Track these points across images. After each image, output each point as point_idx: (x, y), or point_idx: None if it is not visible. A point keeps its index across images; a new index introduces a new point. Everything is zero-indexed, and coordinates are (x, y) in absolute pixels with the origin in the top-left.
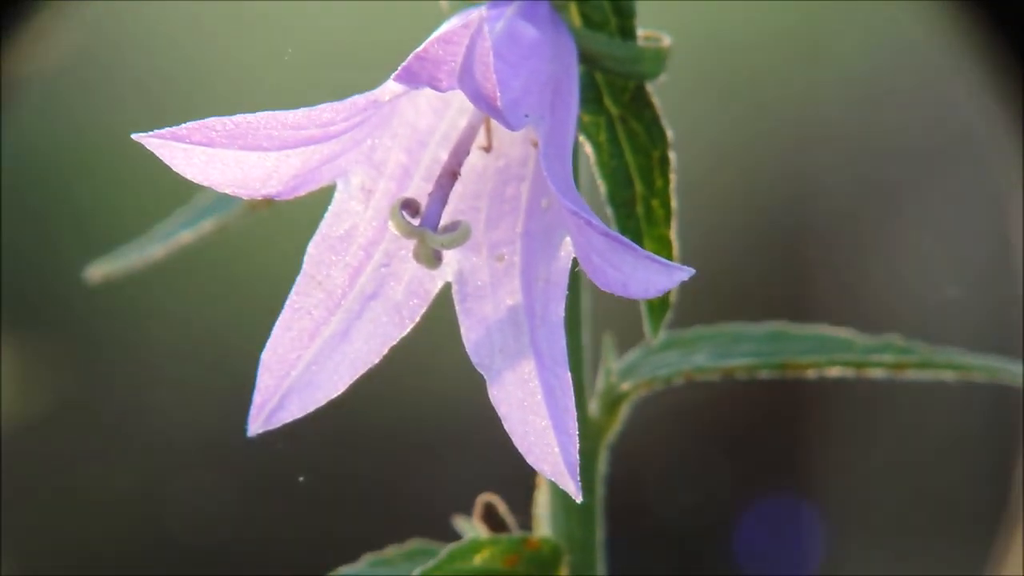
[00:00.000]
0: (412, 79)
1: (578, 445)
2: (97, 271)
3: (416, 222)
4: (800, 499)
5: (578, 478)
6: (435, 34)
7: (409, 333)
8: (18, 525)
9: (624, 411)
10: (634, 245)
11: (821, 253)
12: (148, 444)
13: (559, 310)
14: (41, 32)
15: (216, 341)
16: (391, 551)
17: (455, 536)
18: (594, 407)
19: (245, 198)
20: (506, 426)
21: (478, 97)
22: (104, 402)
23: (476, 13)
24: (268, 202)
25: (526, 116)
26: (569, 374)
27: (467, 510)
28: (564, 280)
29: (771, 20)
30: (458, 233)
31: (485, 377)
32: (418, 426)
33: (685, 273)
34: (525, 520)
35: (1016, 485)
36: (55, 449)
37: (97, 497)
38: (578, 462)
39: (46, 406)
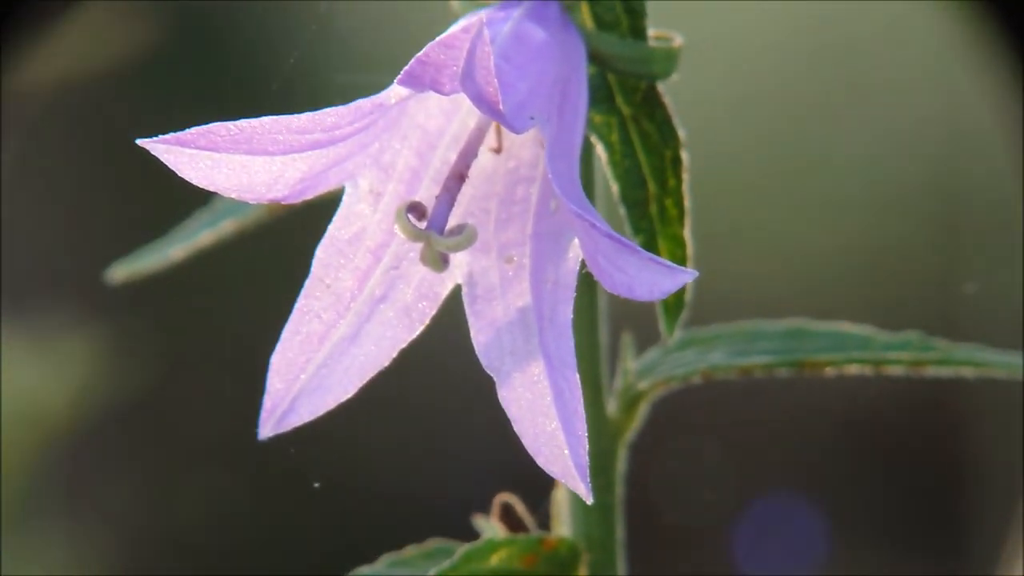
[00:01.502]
0: (415, 83)
1: (587, 447)
2: (118, 272)
3: (422, 225)
4: (804, 498)
5: (588, 480)
6: (437, 38)
7: (425, 330)
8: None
9: (643, 410)
10: (638, 248)
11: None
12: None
13: (567, 312)
14: None
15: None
16: (410, 551)
17: (474, 536)
18: (612, 406)
19: (251, 203)
20: (516, 428)
21: (480, 101)
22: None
23: (477, 18)
24: (279, 205)
25: (531, 118)
26: (577, 376)
27: (486, 509)
28: (572, 282)
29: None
30: (463, 236)
31: (495, 379)
32: (433, 425)
33: (689, 275)
34: (544, 520)
35: (1018, 485)
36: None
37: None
38: (587, 464)
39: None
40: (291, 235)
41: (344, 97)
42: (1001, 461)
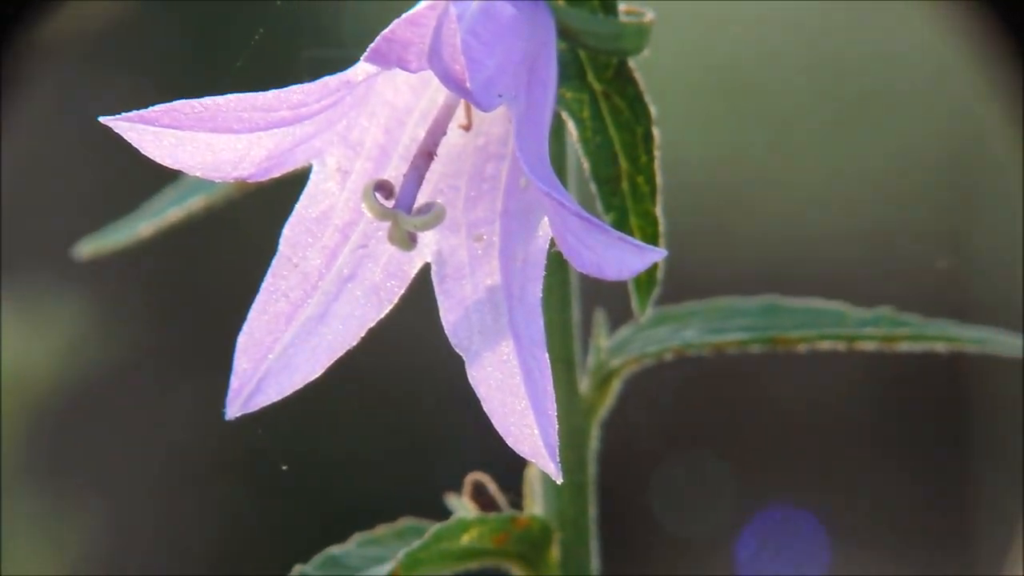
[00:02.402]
0: (381, 60)
1: (557, 426)
2: (86, 248)
3: (390, 204)
4: (800, 499)
5: (558, 459)
6: (404, 15)
7: (393, 310)
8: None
9: (615, 387)
10: (607, 227)
11: None
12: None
13: (536, 291)
14: None
15: None
16: (381, 530)
17: (446, 515)
18: (585, 384)
19: (217, 181)
20: (485, 407)
21: (447, 78)
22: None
23: None
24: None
25: (500, 96)
26: (547, 355)
27: (460, 489)
28: (542, 260)
29: None
30: (432, 215)
31: (464, 358)
32: (410, 404)
33: (658, 254)
34: (517, 499)
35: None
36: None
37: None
38: (557, 443)
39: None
40: (276, 195)
41: (311, 73)
42: (1003, 464)
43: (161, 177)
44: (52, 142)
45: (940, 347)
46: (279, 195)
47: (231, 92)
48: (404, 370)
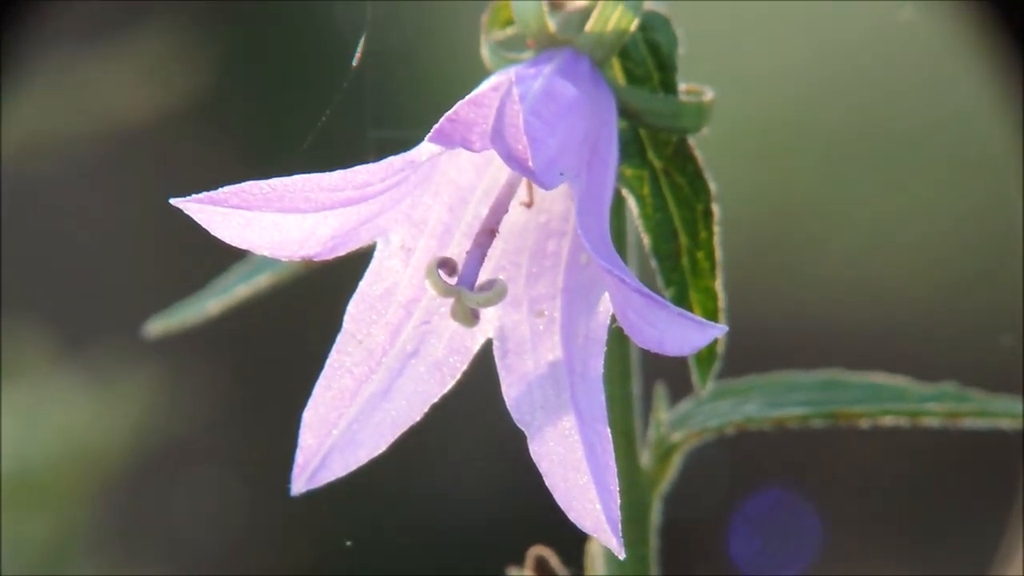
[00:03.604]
0: (445, 140)
1: (619, 501)
2: (155, 327)
3: (453, 281)
4: (799, 497)
5: (620, 534)
6: (467, 96)
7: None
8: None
9: (676, 461)
10: (668, 303)
11: None
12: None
13: (598, 366)
14: None
15: None
16: None
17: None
18: (646, 458)
19: (284, 260)
20: (547, 482)
21: (510, 158)
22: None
23: (506, 76)
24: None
25: (561, 174)
26: (609, 430)
27: (522, 562)
28: (603, 336)
29: None
30: (494, 292)
31: (526, 433)
32: (476, 477)
33: (719, 330)
34: (579, 572)
35: (1018, 483)
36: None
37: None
38: (619, 518)
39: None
40: (345, 273)
41: (377, 153)
42: (1000, 459)
43: (231, 253)
44: (123, 219)
45: (1005, 424)
46: (346, 271)
47: (298, 173)
48: (468, 438)
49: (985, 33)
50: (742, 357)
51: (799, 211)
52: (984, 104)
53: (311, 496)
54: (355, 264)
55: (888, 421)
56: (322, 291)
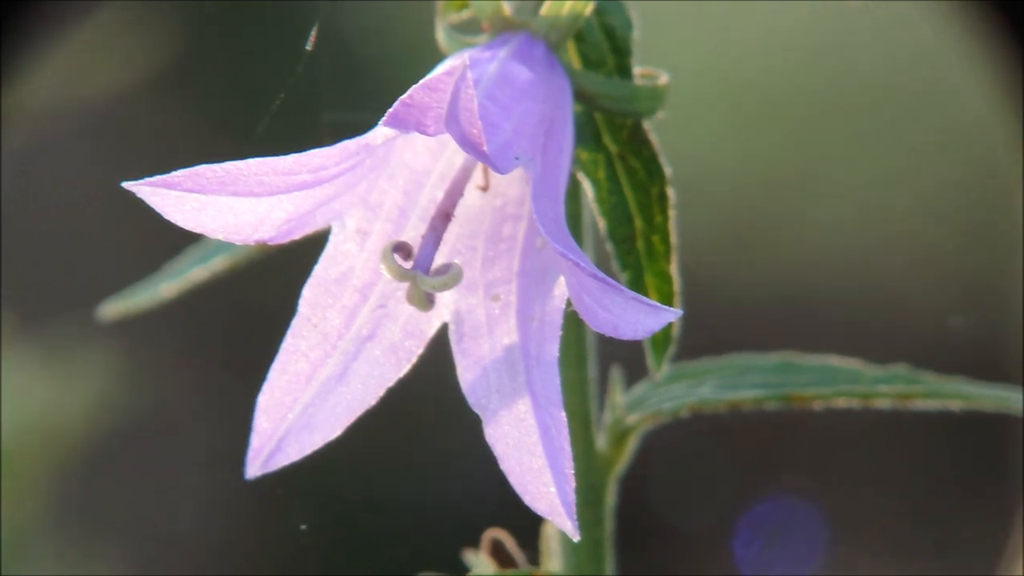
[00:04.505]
0: (400, 124)
1: (574, 484)
2: (110, 311)
3: (408, 265)
4: (801, 500)
5: (575, 517)
6: (421, 80)
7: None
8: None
9: (632, 444)
10: (623, 287)
11: None
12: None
13: (553, 350)
14: None
15: None
16: None
17: (463, 571)
18: (602, 441)
19: (238, 243)
20: (502, 466)
21: (465, 142)
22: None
23: (461, 60)
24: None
25: (516, 158)
26: (564, 414)
27: (476, 544)
28: (559, 320)
29: None
30: (449, 276)
31: (481, 417)
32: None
33: (673, 314)
34: (535, 555)
35: (1018, 485)
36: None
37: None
38: (574, 501)
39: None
40: (305, 250)
41: (331, 137)
42: (1001, 460)
43: (191, 233)
44: (81, 197)
45: (955, 405)
46: (309, 253)
47: (252, 156)
48: (425, 424)
49: (967, 2)
50: (724, 330)
51: (778, 183)
52: (967, 75)
53: (271, 476)
54: (318, 246)
55: (841, 403)
56: (285, 272)
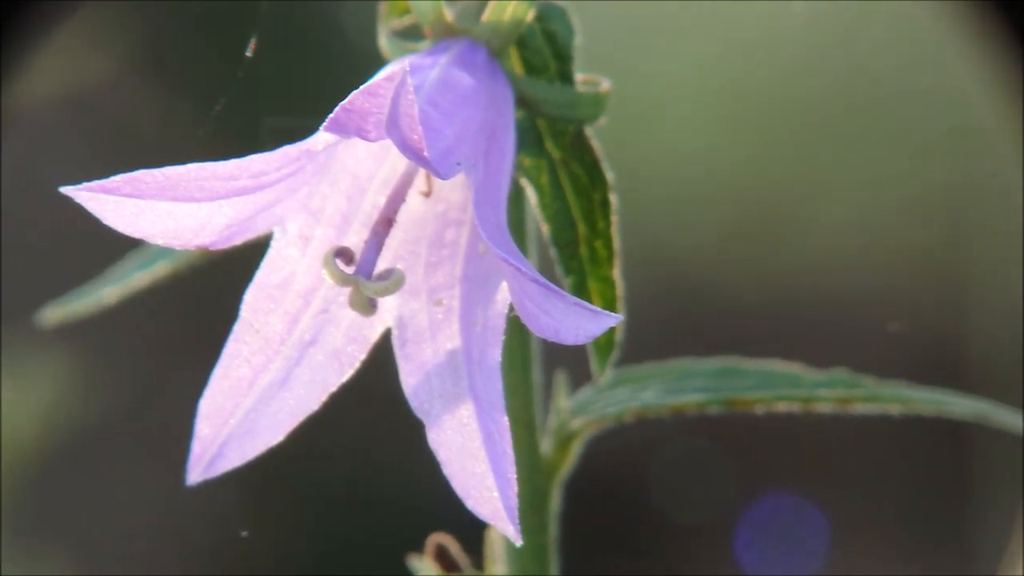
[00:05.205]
0: (340, 130)
1: (516, 489)
2: (52, 315)
3: (350, 270)
4: (801, 498)
5: (517, 522)
6: (362, 86)
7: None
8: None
9: (576, 449)
10: (564, 292)
11: None
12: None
13: (496, 355)
14: None
15: None
16: None
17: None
18: (546, 445)
19: (179, 249)
20: (445, 471)
21: (405, 148)
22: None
23: (401, 66)
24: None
25: (458, 164)
26: (507, 418)
27: (422, 549)
28: (501, 325)
29: None
30: (391, 281)
31: (424, 422)
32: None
33: (613, 319)
34: (479, 560)
35: (1018, 485)
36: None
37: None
38: (516, 506)
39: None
40: (256, 252)
41: (272, 142)
42: (1004, 458)
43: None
44: (27, 204)
45: (894, 409)
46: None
47: (192, 161)
48: (366, 427)
49: (964, 4)
50: (722, 330)
51: (778, 183)
52: (968, 77)
53: (222, 479)
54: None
55: (782, 407)
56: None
